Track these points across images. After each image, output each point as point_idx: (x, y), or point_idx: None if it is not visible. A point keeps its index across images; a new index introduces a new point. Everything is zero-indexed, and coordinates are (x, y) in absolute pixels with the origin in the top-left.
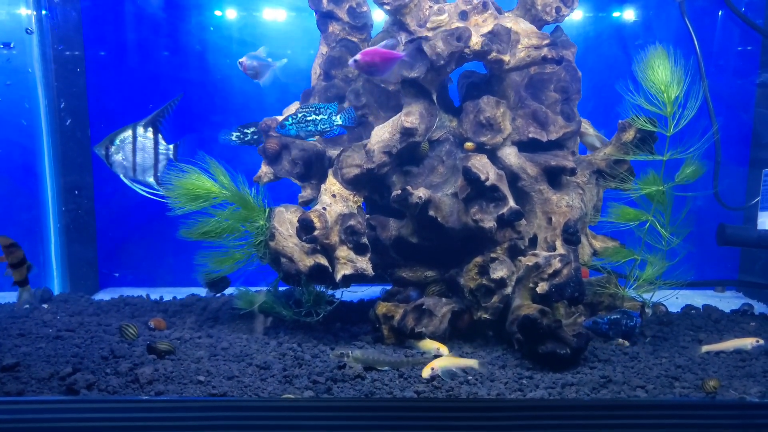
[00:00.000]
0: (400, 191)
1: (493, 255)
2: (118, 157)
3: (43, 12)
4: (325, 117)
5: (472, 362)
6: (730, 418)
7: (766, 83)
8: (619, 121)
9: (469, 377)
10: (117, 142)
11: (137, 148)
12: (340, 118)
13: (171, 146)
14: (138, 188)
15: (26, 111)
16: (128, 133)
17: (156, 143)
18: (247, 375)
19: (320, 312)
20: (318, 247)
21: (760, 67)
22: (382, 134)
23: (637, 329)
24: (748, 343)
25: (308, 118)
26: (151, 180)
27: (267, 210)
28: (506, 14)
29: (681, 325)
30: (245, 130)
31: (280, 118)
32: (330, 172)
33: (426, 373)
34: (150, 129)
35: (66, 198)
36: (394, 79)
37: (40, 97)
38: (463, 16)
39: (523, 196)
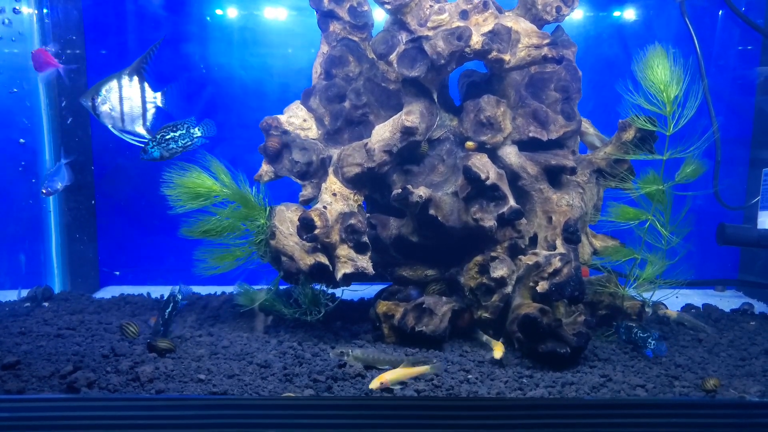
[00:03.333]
0: (400, 190)
1: (493, 254)
2: (105, 108)
3: (44, 10)
4: (183, 132)
5: (424, 369)
6: (730, 417)
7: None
8: (619, 121)
9: (470, 376)
10: (102, 92)
11: (123, 98)
12: (199, 129)
13: (158, 94)
14: (129, 138)
15: (27, 109)
16: (113, 82)
17: (142, 91)
18: (248, 373)
19: (320, 311)
20: (318, 246)
21: (760, 65)
22: (383, 133)
23: (648, 342)
24: None
25: (167, 137)
26: (140, 130)
27: (268, 208)
28: (507, 13)
29: (681, 325)
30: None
31: (280, 117)
32: (330, 170)
33: (374, 385)
34: (135, 77)
35: (67, 196)
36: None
37: (41, 96)
38: (464, 15)
39: (524, 195)
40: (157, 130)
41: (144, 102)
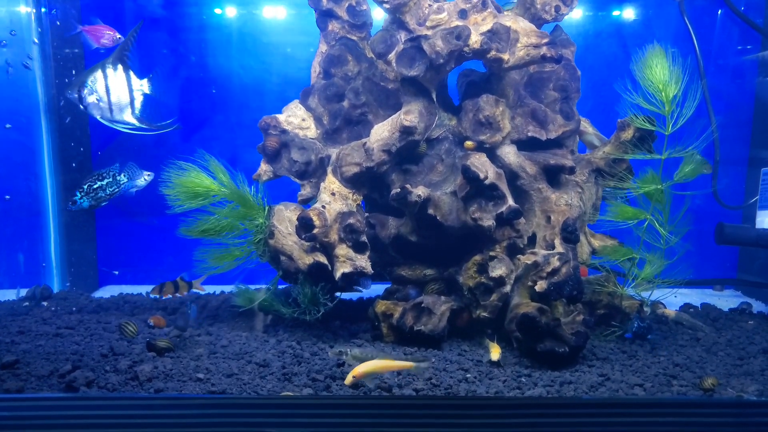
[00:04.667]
0: (399, 189)
1: (492, 253)
2: (92, 99)
3: (43, 10)
4: (110, 180)
5: (407, 364)
6: (728, 416)
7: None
8: (618, 120)
9: (468, 375)
10: (88, 83)
11: (109, 87)
12: (124, 176)
13: (144, 81)
14: (120, 127)
15: (26, 109)
16: (97, 73)
17: (128, 79)
18: (246, 372)
19: (318, 310)
20: (317, 246)
21: (759, 66)
22: (382, 133)
23: (631, 326)
24: None
25: (95, 186)
26: (130, 118)
27: (266, 208)
28: (505, 13)
29: (679, 324)
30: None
31: (279, 116)
32: (329, 170)
33: (348, 380)
34: (119, 66)
35: (66, 196)
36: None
37: (39, 95)
38: (463, 14)
39: (522, 195)
40: (84, 180)
41: (131, 90)
